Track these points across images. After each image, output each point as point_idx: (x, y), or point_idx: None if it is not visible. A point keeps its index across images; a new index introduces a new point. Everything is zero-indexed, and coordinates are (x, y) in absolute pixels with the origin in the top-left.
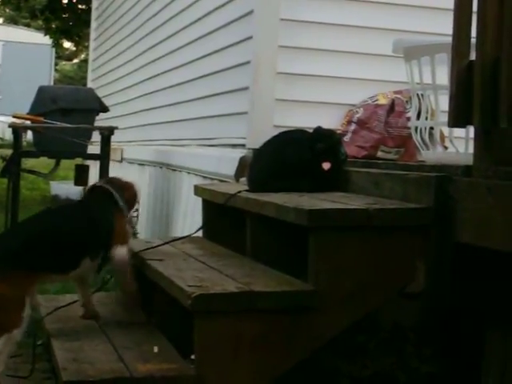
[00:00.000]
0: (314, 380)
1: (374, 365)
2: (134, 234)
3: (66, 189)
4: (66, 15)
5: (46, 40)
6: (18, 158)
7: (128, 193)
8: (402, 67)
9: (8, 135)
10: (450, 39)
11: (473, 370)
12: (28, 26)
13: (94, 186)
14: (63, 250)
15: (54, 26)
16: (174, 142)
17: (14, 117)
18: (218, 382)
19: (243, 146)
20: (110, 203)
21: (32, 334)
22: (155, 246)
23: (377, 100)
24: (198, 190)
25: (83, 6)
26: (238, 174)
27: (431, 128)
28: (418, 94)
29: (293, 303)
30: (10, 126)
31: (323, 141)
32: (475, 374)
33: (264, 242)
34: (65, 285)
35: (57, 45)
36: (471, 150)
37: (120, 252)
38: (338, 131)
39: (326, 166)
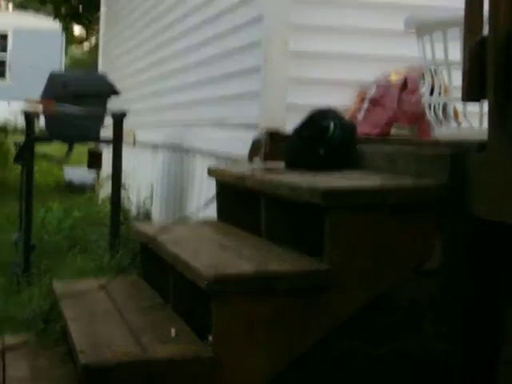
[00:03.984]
0: (331, 359)
1: (390, 343)
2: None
3: (80, 174)
4: (76, 0)
5: (56, 26)
6: (31, 144)
7: None
8: (414, 44)
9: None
10: (462, 14)
11: (489, 346)
12: (37, 10)
13: None
14: None
15: (63, 10)
16: (187, 123)
17: (26, 101)
18: (235, 362)
19: (256, 126)
20: None
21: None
22: (168, 226)
23: (389, 77)
24: (211, 172)
25: None
26: (252, 155)
27: (445, 104)
28: (430, 70)
29: (308, 283)
30: (22, 111)
31: (310, 128)
32: (492, 350)
33: (279, 223)
34: (82, 269)
35: (67, 30)
36: (486, 125)
37: None
38: (350, 109)
39: (320, 151)
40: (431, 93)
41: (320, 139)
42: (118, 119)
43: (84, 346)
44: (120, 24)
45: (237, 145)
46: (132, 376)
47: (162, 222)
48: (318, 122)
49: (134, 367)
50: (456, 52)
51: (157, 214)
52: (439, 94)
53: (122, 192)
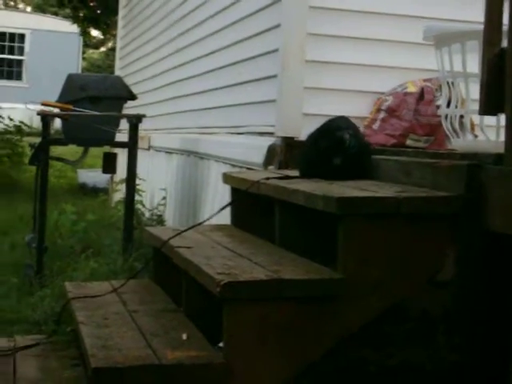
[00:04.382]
0: (342, 368)
1: (401, 354)
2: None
3: (94, 177)
4: (94, 3)
5: (74, 28)
6: (47, 146)
7: None
8: (432, 55)
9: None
10: (481, 27)
11: (501, 359)
12: (55, 14)
13: None
14: None
15: (81, 14)
16: (202, 129)
17: (43, 104)
18: (246, 369)
19: (272, 133)
20: None
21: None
22: (182, 231)
23: (406, 88)
24: (226, 178)
25: None
26: (267, 162)
27: (461, 116)
28: (448, 82)
29: (321, 291)
30: (38, 113)
31: (325, 137)
32: (503, 363)
33: (293, 230)
34: (96, 271)
35: (84, 33)
36: (502, 138)
37: None
38: (366, 119)
39: (336, 161)
40: (448, 105)
41: (336, 150)
42: (134, 123)
43: (95, 349)
44: (137, 28)
45: (252, 152)
46: (142, 380)
47: (175, 226)
48: (335, 132)
49: (145, 371)
50: (474, 64)
51: (170, 218)
52: (456, 106)
53: (136, 196)
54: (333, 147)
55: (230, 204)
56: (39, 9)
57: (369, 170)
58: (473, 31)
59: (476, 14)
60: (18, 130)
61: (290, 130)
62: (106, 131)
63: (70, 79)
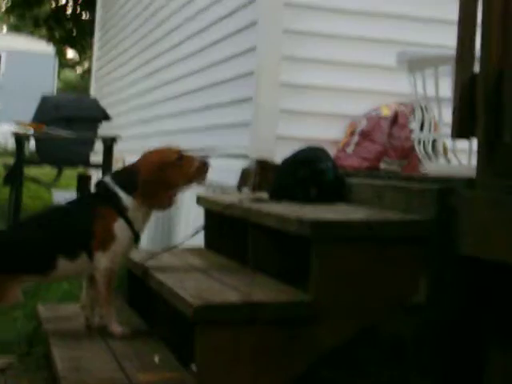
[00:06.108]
0: None
1: (373, 377)
2: (137, 239)
3: (68, 198)
4: (70, 25)
5: (50, 49)
6: (21, 167)
7: (128, 177)
8: (405, 79)
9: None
10: (454, 52)
11: (474, 382)
12: (31, 33)
13: (97, 182)
14: (28, 251)
15: (57, 35)
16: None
17: (17, 124)
18: None
19: (246, 156)
20: (98, 201)
21: (34, 344)
22: (156, 254)
23: (380, 111)
24: (200, 200)
25: (87, 16)
26: (241, 184)
27: (434, 140)
28: (421, 106)
29: (293, 314)
30: (13, 134)
31: (306, 168)
32: None
33: (265, 253)
34: (69, 293)
35: (60, 53)
36: (474, 162)
37: (98, 259)
38: (340, 142)
39: (313, 192)
40: (421, 128)
41: (315, 181)
42: (109, 145)
43: (67, 371)
44: (113, 50)
45: (226, 174)
46: None
47: (149, 249)
48: (315, 163)
49: None
50: (446, 89)
51: (144, 240)
52: (429, 130)
53: None
54: (312, 178)
55: (203, 228)
56: (15, 28)
57: (343, 196)
58: (446, 56)
59: (449, 39)
60: None
61: (264, 152)
62: (80, 152)
63: (45, 100)
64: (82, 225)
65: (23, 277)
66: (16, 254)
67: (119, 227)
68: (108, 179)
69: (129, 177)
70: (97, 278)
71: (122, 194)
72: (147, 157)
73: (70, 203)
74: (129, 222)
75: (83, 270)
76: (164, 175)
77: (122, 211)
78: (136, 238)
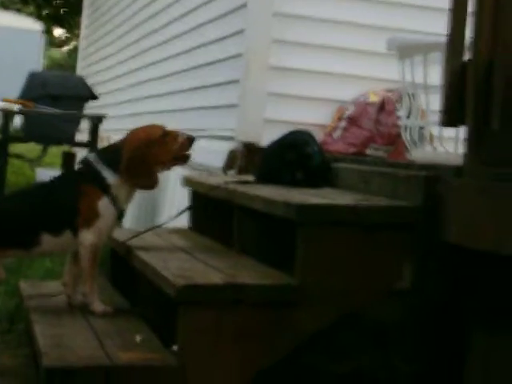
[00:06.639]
0: (293, 375)
1: (354, 361)
2: (120, 216)
3: (52, 175)
4: (58, 2)
5: (36, 26)
6: (6, 143)
7: (112, 155)
8: (394, 66)
9: None
10: (444, 39)
11: (456, 367)
12: (18, 11)
13: (82, 159)
14: (12, 225)
15: (45, 12)
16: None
17: (4, 101)
18: (199, 372)
19: (232, 138)
20: (83, 178)
21: (15, 321)
22: (139, 233)
23: (368, 97)
24: (186, 182)
25: None
26: (227, 167)
27: (421, 127)
28: (408, 93)
29: (277, 297)
30: None
31: (293, 151)
32: (458, 371)
33: (251, 235)
34: (51, 270)
35: (48, 31)
36: (460, 150)
37: (82, 236)
38: (327, 127)
39: (299, 175)
40: (408, 116)
41: (302, 164)
42: (95, 123)
43: (48, 348)
44: (101, 29)
45: (212, 156)
46: (93, 380)
47: (133, 228)
48: (302, 147)
49: (96, 372)
50: (435, 76)
51: (128, 220)
52: (416, 117)
53: None
54: (299, 161)
55: (188, 208)
56: (2, 6)
57: (329, 181)
58: (436, 43)
59: (440, 27)
60: None
61: (250, 135)
62: (66, 130)
63: (32, 77)
64: (67, 202)
65: (6, 251)
66: (0, 228)
67: (103, 204)
68: (92, 156)
69: (113, 154)
70: (81, 254)
71: (105, 172)
72: (132, 134)
73: (55, 179)
74: (113, 199)
75: (67, 246)
76: (149, 152)
77: (105, 189)
78: (120, 215)
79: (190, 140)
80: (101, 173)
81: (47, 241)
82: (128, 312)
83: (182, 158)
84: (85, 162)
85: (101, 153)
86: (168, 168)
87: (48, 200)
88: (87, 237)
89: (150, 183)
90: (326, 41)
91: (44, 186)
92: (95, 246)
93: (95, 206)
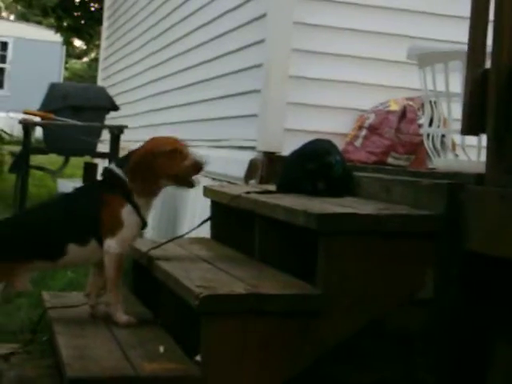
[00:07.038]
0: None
1: (378, 372)
2: (144, 225)
3: (73, 187)
4: (78, 13)
5: (57, 38)
6: (27, 155)
7: (126, 160)
8: (414, 74)
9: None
10: (465, 47)
11: (479, 378)
12: (39, 23)
13: (104, 169)
14: (38, 237)
15: (65, 24)
16: (184, 142)
17: (25, 113)
18: (222, 383)
19: (253, 148)
20: (105, 188)
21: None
22: (162, 244)
23: (388, 106)
24: (206, 192)
25: (95, 5)
26: (248, 177)
27: (443, 135)
28: (430, 101)
29: (300, 307)
30: (20, 122)
31: (314, 161)
32: (481, 382)
33: (272, 245)
34: (73, 281)
35: (68, 43)
36: (483, 158)
37: (108, 244)
38: (348, 136)
39: (320, 185)
40: (430, 124)
41: (323, 174)
42: (116, 134)
43: (71, 359)
44: (121, 40)
45: (233, 166)
46: None
47: (154, 239)
48: (324, 157)
49: (121, 383)
50: (456, 84)
51: (150, 231)
52: (438, 125)
53: None
54: (320, 171)
55: (210, 218)
56: (23, 17)
57: (350, 190)
58: (456, 51)
59: (461, 35)
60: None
61: (271, 144)
62: (87, 141)
63: (53, 88)
64: (91, 211)
65: (34, 263)
66: (27, 240)
67: (126, 213)
68: (113, 166)
69: (127, 159)
70: (106, 263)
71: (123, 176)
72: (146, 142)
73: (78, 190)
74: (136, 208)
75: (92, 256)
76: (154, 161)
77: (128, 197)
78: (143, 224)
79: (198, 165)
80: (122, 180)
81: (73, 251)
82: (151, 322)
83: (186, 182)
84: (106, 171)
85: (120, 161)
86: (172, 184)
87: (72, 210)
88: (112, 245)
89: (149, 191)
90: (346, 50)
91: (68, 196)
92: (120, 254)
93: (119, 215)
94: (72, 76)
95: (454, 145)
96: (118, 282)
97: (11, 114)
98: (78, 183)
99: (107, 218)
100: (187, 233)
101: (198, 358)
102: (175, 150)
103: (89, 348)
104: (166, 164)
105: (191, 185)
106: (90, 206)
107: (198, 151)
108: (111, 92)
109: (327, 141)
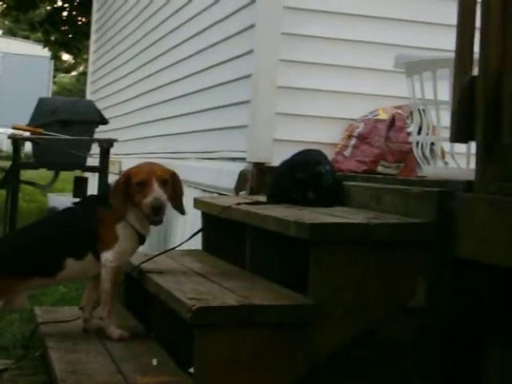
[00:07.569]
0: None
1: (371, 381)
2: (143, 239)
3: (64, 201)
4: (66, 27)
5: (45, 52)
6: (17, 170)
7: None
8: (402, 82)
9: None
10: (452, 55)
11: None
12: (27, 38)
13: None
14: (37, 253)
15: (53, 38)
16: (174, 154)
17: (14, 128)
18: None
19: (243, 159)
20: (100, 202)
21: (31, 347)
22: (153, 257)
23: (377, 115)
24: (197, 203)
25: (83, 19)
26: (238, 188)
27: (432, 143)
28: (419, 109)
29: (292, 317)
30: (9, 137)
31: (304, 171)
32: None
33: (264, 256)
34: (65, 296)
35: (56, 57)
36: (472, 165)
37: (105, 258)
38: (337, 145)
39: (311, 195)
40: (419, 132)
41: (312, 184)
42: (105, 148)
43: (64, 374)
44: (109, 53)
45: (223, 177)
46: None
47: (146, 251)
48: (313, 166)
49: None
50: (444, 92)
51: None
52: (427, 133)
53: None
54: (310, 181)
55: (201, 230)
56: (10, 32)
57: (340, 200)
58: (444, 59)
59: (448, 43)
60: None
61: (261, 155)
62: (76, 155)
63: (41, 103)
64: (87, 226)
65: (33, 280)
66: (26, 256)
67: (121, 227)
68: (112, 182)
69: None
70: (103, 275)
71: None
72: (133, 167)
73: (75, 205)
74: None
75: (89, 270)
76: (128, 189)
77: None
78: (141, 239)
79: (156, 207)
80: None
81: (71, 265)
82: (143, 335)
83: (148, 217)
84: (103, 187)
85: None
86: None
87: (69, 225)
88: (109, 258)
89: (121, 212)
90: (334, 59)
91: (65, 211)
92: (117, 267)
93: (113, 229)
94: (60, 90)
95: (443, 152)
96: (114, 295)
97: (0, 130)
98: (68, 197)
99: (103, 232)
100: (179, 245)
101: (192, 370)
102: (141, 183)
103: (82, 362)
104: (134, 195)
105: (153, 222)
106: (86, 220)
107: (188, 163)
108: (100, 106)
109: (317, 151)
